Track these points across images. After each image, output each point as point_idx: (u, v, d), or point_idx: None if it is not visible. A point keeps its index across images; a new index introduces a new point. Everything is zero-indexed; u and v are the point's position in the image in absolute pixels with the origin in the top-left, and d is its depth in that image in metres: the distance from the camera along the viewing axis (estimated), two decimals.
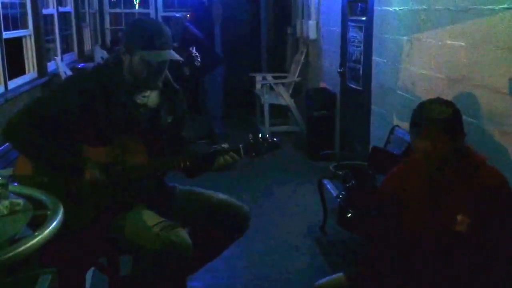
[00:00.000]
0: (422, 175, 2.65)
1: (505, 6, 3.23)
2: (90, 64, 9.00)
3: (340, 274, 2.93)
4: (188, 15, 9.35)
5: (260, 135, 3.04)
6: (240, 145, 2.99)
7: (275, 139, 3.06)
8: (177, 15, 9.09)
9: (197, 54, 7.97)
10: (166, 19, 9.83)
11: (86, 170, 2.87)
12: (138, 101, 3.03)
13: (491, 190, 2.45)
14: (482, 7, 3.48)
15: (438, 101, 2.61)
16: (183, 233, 2.89)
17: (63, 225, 2.28)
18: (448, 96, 3.48)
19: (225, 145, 2.99)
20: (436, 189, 2.58)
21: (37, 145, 2.88)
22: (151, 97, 3.08)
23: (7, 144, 3.65)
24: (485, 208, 2.42)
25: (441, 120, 2.50)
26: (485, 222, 2.42)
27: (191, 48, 7.91)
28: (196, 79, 8.44)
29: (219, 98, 8.49)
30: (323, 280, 2.99)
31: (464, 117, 2.71)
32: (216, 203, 3.27)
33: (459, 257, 2.48)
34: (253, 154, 3.01)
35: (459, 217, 2.43)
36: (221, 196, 3.33)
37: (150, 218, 2.91)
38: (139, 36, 2.97)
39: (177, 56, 3.02)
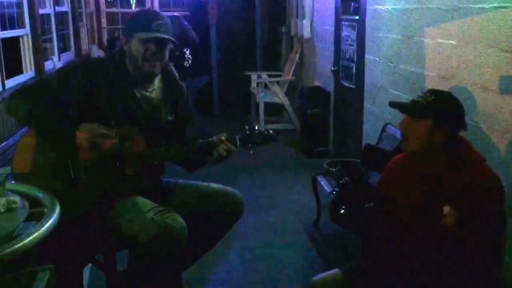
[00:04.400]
0: (413, 168, 2.70)
1: (495, 5, 3.26)
2: None
3: (336, 270, 2.94)
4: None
5: (256, 127, 3.09)
6: (237, 136, 3.04)
7: (270, 131, 3.10)
8: (175, 14, 9.10)
9: (189, 56, 7.96)
10: None
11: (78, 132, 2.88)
12: (139, 95, 3.08)
13: (482, 190, 2.44)
14: (473, 6, 3.52)
15: (433, 90, 2.68)
16: (177, 216, 2.92)
17: (62, 213, 2.32)
18: None
19: (222, 136, 3.03)
20: (425, 181, 2.61)
21: (37, 114, 2.89)
22: (154, 93, 3.14)
23: (6, 142, 3.70)
24: (473, 206, 2.42)
25: (414, 101, 2.62)
26: (472, 220, 2.43)
27: (185, 50, 7.91)
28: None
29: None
30: (318, 276, 3.00)
31: None
32: (210, 192, 3.33)
33: (446, 251, 2.51)
34: (249, 145, 3.04)
35: (445, 209, 2.44)
36: (215, 185, 3.40)
37: (144, 204, 2.95)
38: (136, 21, 3.07)
39: (173, 40, 3.05)
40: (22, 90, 3.01)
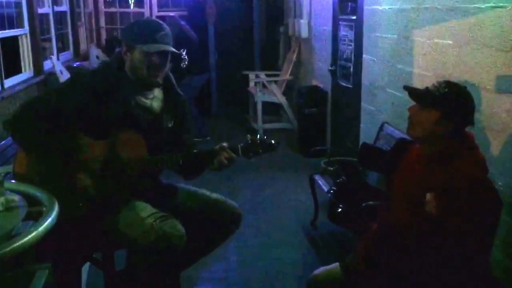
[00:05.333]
0: (415, 157, 2.70)
1: (491, 4, 3.29)
2: (86, 63, 9.05)
3: (336, 264, 2.97)
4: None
5: (258, 136, 3.10)
6: (239, 145, 3.06)
7: (272, 141, 3.11)
8: (172, 14, 9.11)
9: (186, 57, 7.97)
10: (161, 19, 9.79)
11: (77, 178, 2.93)
12: (141, 103, 3.08)
13: (466, 191, 2.41)
14: (469, 5, 3.54)
15: (450, 82, 2.64)
16: (176, 223, 2.95)
17: (61, 213, 2.33)
18: None
19: (224, 145, 3.05)
20: (420, 171, 2.62)
21: (37, 140, 2.89)
22: (155, 101, 3.14)
23: (5, 141, 3.71)
24: (458, 198, 2.41)
25: (427, 89, 2.59)
26: (454, 211, 2.41)
27: (182, 50, 7.92)
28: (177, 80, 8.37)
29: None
30: (319, 270, 3.03)
31: None
32: (210, 201, 3.34)
33: (446, 251, 2.49)
34: (251, 154, 3.07)
35: (427, 196, 2.44)
36: (216, 195, 3.41)
37: (143, 209, 2.97)
38: (139, 32, 3.04)
39: (176, 51, 3.08)
40: (21, 116, 2.95)
